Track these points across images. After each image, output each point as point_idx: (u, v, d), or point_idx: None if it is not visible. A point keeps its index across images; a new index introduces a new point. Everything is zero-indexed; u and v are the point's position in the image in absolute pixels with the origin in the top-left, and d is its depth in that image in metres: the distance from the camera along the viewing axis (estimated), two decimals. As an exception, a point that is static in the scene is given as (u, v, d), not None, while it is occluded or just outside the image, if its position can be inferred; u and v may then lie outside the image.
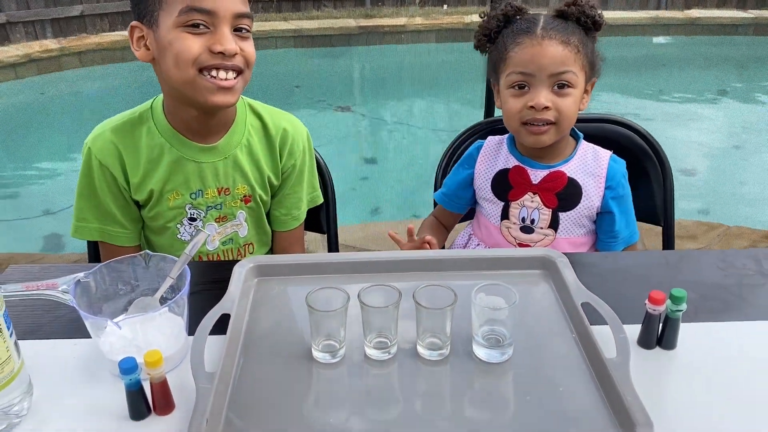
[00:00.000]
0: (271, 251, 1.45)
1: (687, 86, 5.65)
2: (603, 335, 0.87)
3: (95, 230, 1.28)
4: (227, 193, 1.30)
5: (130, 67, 5.83)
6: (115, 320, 0.79)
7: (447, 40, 6.66)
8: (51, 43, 5.95)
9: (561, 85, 1.25)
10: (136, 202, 1.29)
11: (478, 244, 1.42)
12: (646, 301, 0.87)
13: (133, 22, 1.18)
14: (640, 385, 0.78)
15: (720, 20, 6.91)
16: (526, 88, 1.27)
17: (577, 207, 1.32)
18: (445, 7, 7.57)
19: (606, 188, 1.32)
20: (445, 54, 6.50)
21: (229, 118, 1.28)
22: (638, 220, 1.53)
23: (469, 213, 1.53)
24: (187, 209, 1.28)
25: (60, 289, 0.81)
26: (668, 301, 0.86)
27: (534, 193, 1.33)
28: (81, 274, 0.84)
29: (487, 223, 1.39)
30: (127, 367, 0.75)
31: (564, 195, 1.32)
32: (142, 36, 1.18)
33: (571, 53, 1.24)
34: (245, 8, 1.15)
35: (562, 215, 1.32)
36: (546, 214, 1.32)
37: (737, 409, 0.79)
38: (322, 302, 0.85)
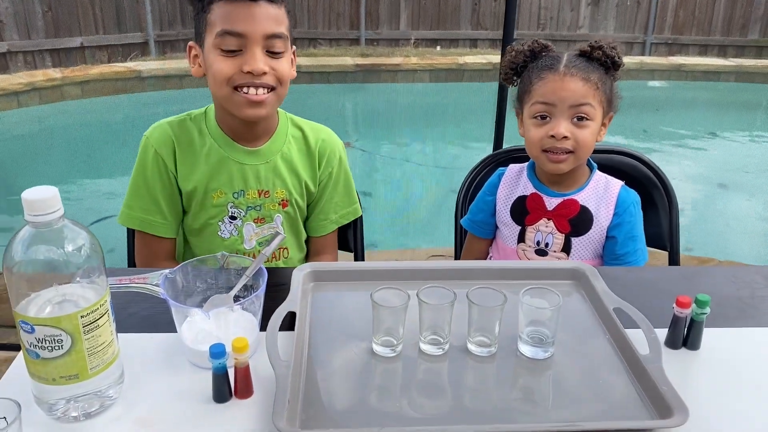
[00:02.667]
0: (306, 257, 1.55)
1: (673, 127, 5.86)
2: (633, 336, 0.96)
3: (136, 219, 1.39)
4: (266, 195, 1.41)
5: (131, 99, 5.96)
6: (204, 310, 0.87)
7: (441, 80, 6.86)
8: (54, 72, 6.04)
9: (580, 117, 1.36)
10: (182, 198, 1.39)
11: None
12: (674, 305, 0.97)
13: (191, 42, 1.35)
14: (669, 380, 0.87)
15: (703, 67, 7.19)
16: (548, 118, 1.38)
17: (589, 233, 1.43)
18: (438, 47, 7.81)
19: (614, 215, 1.43)
20: (440, 93, 6.68)
21: (270, 126, 1.41)
22: (646, 245, 1.64)
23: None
24: (228, 208, 1.39)
25: (152, 282, 0.89)
26: (693, 305, 0.96)
27: (549, 219, 1.44)
28: (167, 271, 0.92)
29: (504, 246, 1.50)
30: (217, 351, 0.83)
31: (576, 221, 1.43)
32: (197, 55, 1.34)
33: (591, 89, 1.36)
34: (276, 29, 1.27)
35: (574, 240, 1.43)
36: (559, 238, 1.43)
37: (759, 405, 0.88)
38: (383, 300, 0.94)
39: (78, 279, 0.76)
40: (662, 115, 6.06)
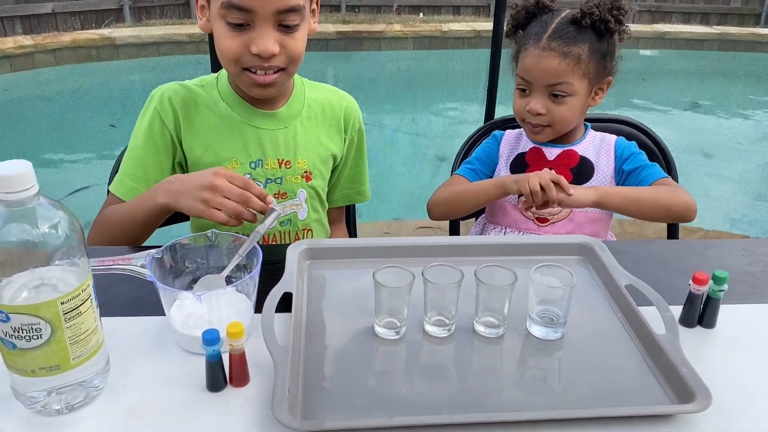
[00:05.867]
0: None
1: (657, 96, 5.83)
2: (646, 315, 0.92)
3: (125, 186, 1.23)
4: (287, 166, 1.29)
5: (105, 67, 5.77)
6: (196, 293, 0.81)
7: (425, 48, 6.74)
8: (25, 40, 5.82)
9: (556, 94, 1.35)
10: (186, 169, 1.27)
11: (494, 228, 1.48)
12: (690, 282, 0.93)
13: None
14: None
15: (687, 35, 7.15)
16: (527, 91, 1.39)
17: (591, 181, 1.42)
18: (420, 15, 7.66)
19: (615, 158, 1.43)
20: (425, 61, 6.57)
21: (286, 88, 1.29)
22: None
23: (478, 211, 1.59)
24: None
25: (137, 264, 0.83)
26: (711, 282, 0.92)
27: (550, 169, 1.41)
28: (154, 251, 0.85)
29: (503, 204, 1.46)
30: (211, 338, 0.76)
31: (577, 170, 1.42)
32: (204, 6, 1.18)
33: (569, 65, 1.33)
34: (290, 2, 1.11)
35: None
36: None
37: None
38: (387, 280, 0.88)
39: (56, 262, 0.70)
40: (646, 84, 6.02)
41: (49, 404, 0.75)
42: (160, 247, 0.88)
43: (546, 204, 1.26)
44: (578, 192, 1.25)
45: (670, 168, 1.61)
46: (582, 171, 1.42)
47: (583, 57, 1.33)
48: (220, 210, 1.00)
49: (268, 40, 1.12)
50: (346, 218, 1.55)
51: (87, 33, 6.22)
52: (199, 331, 0.78)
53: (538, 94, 1.36)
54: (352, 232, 1.57)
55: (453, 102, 5.42)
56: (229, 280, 0.91)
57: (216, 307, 0.84)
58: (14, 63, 5.60)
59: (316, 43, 6.71)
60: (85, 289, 0.72)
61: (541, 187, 1.23)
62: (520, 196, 1.39)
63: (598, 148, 1.45)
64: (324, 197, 1.39)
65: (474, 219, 1.66)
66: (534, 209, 1.30)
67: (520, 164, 1.46)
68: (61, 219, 0.70)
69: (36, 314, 0.69)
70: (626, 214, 1.34)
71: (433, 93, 5.64)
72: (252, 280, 0.86)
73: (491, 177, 1.50)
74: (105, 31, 6.25)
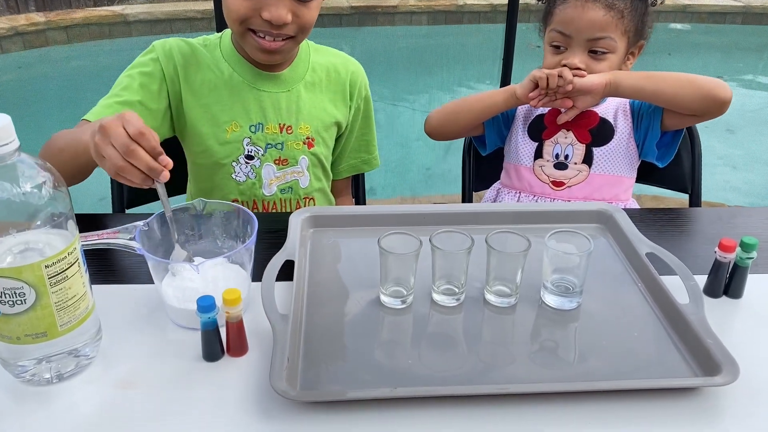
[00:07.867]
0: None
1: (682, 71, 5.69)
2: (668, 284, 0.87)
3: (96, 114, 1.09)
4: (289, 131, 1.24)
5: (118, 43, 5.73)
6: (195, 264, 0.77)
7: (440, 23, 6.63)
8: (37, 17, 5.80)
9: (597, 50, 1.28)
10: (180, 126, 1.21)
11: (509, 193, 1.43)
12: (716, 249, 0.87)
13: None
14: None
15: (709, 8, 6.96)
16: (562, 48, 1.31)
17: (611, 143, 1.35)
18: (435, -11, 7.53)
19: (631, 114, 1.37)
20: (440, 36, 6.47)
21: (291, 53, 1.24)
22: (665, 188, 1.58)
23: (494, 175, 1.53)
24: (244, 144, 1.22)
25: (125, 237, 0.79)
26: (738, 249, 0.87)
27: (568, 130, 1.36)
28: (140, 223, 0.81)
29: (518, 167, 1.40)
30: (206, 304, 0.73)
31: (597, 131, 1.36)
32: None
33: (614, 19, 1.26)
34: None
35: (596, 150, 1.35)
36: (580, 149, 1.35)
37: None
38: (392, 247, 0.83)
39: (39, 224, 0.66)
40: (672, 58, 5.88)
41: (38, 373, 0.72)
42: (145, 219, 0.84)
43: (554, 98, 1.28)
44: (591, 75, 1.26)
45: (693, 139, 1.54)
46: (601, 132, 1.36)
47: (626, 13, 1.27)
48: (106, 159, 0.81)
49: (281, 9, 1.07)
50: (356, 188, 1.50)
51: (99, 10, 6.18)
52: (193, 305, 0.74)
53: (578, 50, 1.28)
54: (360, 201, 1.53)
55: (468, 78, 5.32)
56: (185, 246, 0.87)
57: (212, 277, 0.80)
58: (27, 40, 5.58)
59: (330, 18, 6.61)
60: (71, 252, 0.69)
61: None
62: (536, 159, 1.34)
63: (616, 108, 1.39)
64: (328, 166, 1.34)
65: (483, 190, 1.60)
66: (546, 100, 1.29)
67: (537, 125, 1.40)
68: (45, 178, 0.66)
69: (18, 278, 0.65)
70: (644, 96, 1.29)
71: (448, 68, 5.54)
72: (247, 250, 0.82)
73: (507, 132, 1.45)
74: (117, 8, 6.21)
